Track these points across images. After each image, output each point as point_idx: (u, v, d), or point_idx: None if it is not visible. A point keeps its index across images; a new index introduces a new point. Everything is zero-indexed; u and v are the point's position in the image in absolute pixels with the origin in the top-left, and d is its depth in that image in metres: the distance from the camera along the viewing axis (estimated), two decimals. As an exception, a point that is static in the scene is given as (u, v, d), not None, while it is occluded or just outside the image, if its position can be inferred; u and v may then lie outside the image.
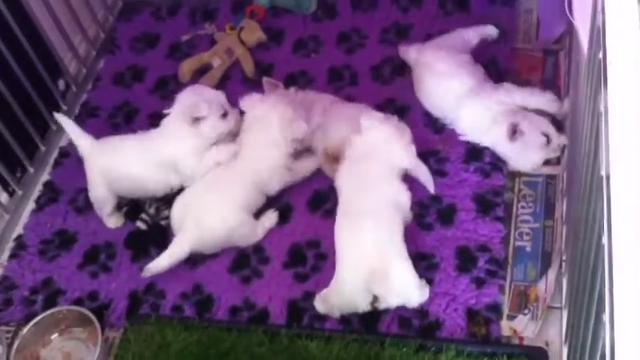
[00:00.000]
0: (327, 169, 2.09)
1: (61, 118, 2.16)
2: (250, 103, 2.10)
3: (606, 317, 0.73)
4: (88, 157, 2.10)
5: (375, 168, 1.92)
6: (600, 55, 0.93)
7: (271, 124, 2.05)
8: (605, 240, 0.77)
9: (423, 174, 2.04)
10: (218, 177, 2.04)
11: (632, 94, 0.80)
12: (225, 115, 2.06)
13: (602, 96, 0.87)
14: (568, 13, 1.26)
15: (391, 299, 1.76)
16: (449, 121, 2.15)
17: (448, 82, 2.12)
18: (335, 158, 2.03)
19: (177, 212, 2.03)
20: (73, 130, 2.12)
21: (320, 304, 1.85)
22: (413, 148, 1.98)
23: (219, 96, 2.08)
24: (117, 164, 2.07)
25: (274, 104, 2.09)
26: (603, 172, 0.82)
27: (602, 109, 0.87)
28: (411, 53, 2.29)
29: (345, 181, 1.93)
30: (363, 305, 1.77)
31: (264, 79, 2.26)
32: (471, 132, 2.10)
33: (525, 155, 2.03)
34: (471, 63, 2.17)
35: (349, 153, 1.97)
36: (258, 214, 2.07)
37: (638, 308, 0.69)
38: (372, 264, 1.73)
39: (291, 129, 2.05)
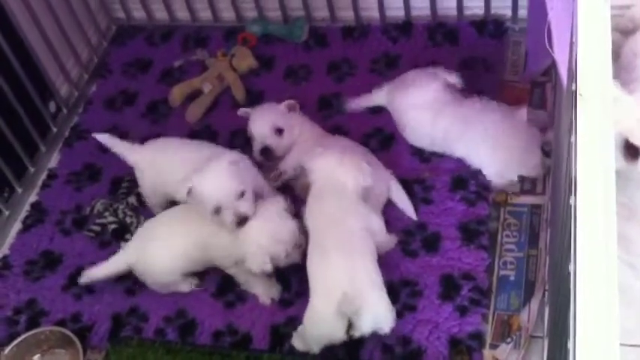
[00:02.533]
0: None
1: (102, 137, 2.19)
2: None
3: (570, 345, 0.74)
4: None
5: (336, 201, 1.89)
6: (573, 87, 0.95)
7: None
8: (571, 267, 0.78)
9: (402, 200, 2.06)
10: (183, 219, 1.99)
11: (598, 125, 0.82)
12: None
13: (573, 128, 0.89)
14: (547, 45, 1.28)
15: (364, 320, 1.72)
16: (442, 152, 2.17)
17: (432, 119, 2.13)
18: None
19: (139, 231, 2.05)
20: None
21: (298, 342, 1.85)
22: (364, 166, 1.93)
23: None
24: None
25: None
26: (572, 201, 0.83)
27: (572, 139, 0.89)
28: (380, 97, 2.30)
29: (312, 218, 1.90)
30: (339, 334, 1.74)
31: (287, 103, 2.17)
32: (470, 153, 2.11)
33: (528, 157, 2.05)
34: (445, 90, 2.17)
35: (312, 189, 1.95)
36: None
37: (600, 338, 0.70)
38: (344, 288, 1.71)
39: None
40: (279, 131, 2.10)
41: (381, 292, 1.77)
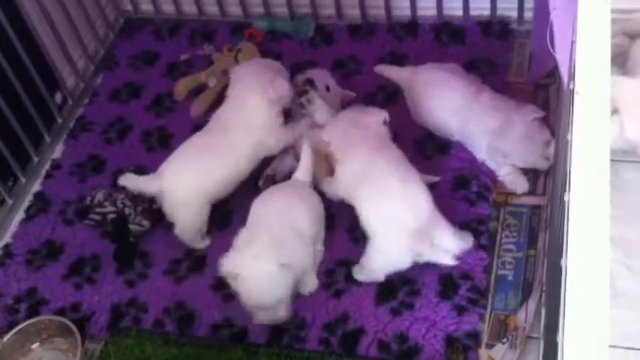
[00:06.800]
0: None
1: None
2: (234, 72, 2.21)
3: (559, 338, 0.75)
4: None
5: (367, 141, 2.02)
6: (571, 86, 0.95)
7: (252, 88, 2.12)
8: (563, 262, 0.79)
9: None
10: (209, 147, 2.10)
11: (594, 122, 0.83)
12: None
13: (570, 125, 0.89)
14: (549, 46, 1.28)
15: (434, 251, 1.88)
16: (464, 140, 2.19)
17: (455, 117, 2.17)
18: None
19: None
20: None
21: (359, 274, 1.94)
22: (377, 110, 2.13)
23: None
24: None
25: (253, 68, 2.20)
26: (566, 197, 0.84)
27: (569, 137, 0.89)
28: (403, 73, 2.35)
29: (348, 165, 2.01)
30: (407, 262, 1.89)
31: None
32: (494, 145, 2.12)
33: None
34: (465, 86, 2.19)
35: (336, 154, 2.04)
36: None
37: (590, 332, 0.70)
38: (413, 225, 1.85)
39: (273, 89, 2.11)
40: (327, 88, 2.31)
41: (447, 223, 1.89)
